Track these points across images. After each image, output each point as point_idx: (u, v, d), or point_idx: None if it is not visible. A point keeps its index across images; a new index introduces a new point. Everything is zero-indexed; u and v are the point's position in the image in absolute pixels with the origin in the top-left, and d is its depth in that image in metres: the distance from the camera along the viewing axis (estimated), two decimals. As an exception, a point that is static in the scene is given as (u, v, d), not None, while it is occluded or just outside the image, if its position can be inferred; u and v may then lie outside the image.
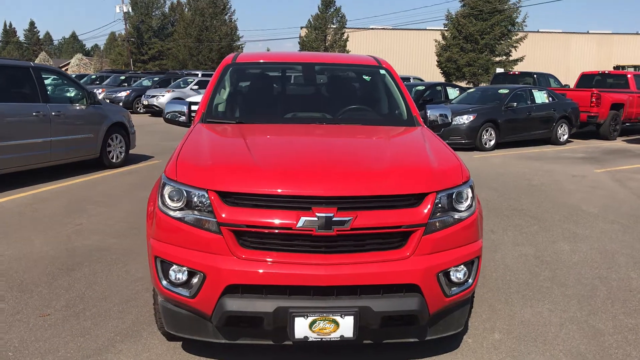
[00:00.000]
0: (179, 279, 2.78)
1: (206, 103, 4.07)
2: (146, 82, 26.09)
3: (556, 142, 14.38)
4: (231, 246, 2.67)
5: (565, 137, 14.56)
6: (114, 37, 73.72)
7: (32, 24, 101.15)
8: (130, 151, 10.02)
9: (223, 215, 2.67)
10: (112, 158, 9.44)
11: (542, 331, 3.61)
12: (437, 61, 38.25)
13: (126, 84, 27.57)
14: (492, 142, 13.07)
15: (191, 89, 22.89)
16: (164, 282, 2.83)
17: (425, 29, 49.68)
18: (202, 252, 2.71)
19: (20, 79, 7.85)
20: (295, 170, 2.85)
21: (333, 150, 3.36)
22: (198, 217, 2.74)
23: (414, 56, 49.15)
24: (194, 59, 51.07)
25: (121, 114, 9.83)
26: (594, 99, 15.21)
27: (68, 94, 8.82)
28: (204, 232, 2.71)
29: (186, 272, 2.76)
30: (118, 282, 4.31)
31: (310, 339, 2.67)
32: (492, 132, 13.05)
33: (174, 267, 2.79)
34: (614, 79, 18.04)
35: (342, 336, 2.68)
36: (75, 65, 64.84)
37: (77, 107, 8.71)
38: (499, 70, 28.39)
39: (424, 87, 17.73)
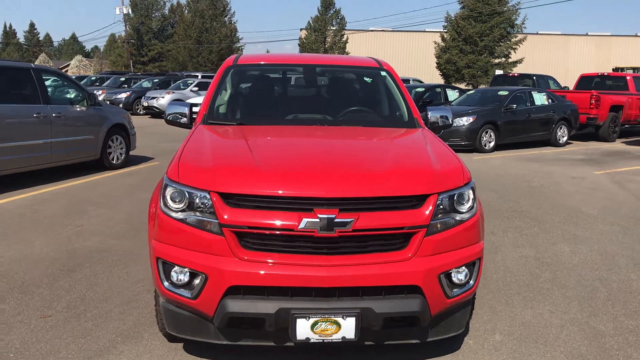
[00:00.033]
0: (180, 280, 2.78)
1: (207, 105, 4.07)
2: (146, 84, 26.10)
3: (555, 143, 14.39)
4: (233, 247, 2.68)
5: (565, 138, 14.58)
6: (114, 39, 73.79)
7: (32, 25, 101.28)
8: (131, 152, 10.03)
9: (225, 217, 2.67)
10: (113, 159, 9.45)
11: (543, 333, 3.61)
12: (437, 63, 38.31)
13: (126, 86, 27.57)
14: (492, 144, 13.09)
15: (191, 90, 22.91)
16: (166, 284, 2.83)
17: (425, 31, 49.72)
18: (204, 254, 2.72)
19: (21, 81, 7.86)
20: (297, 171, 2.86)
21: (334, 152, 3.37)
22: (200, 218, 2.74)
23: (413, 58, 49.19)
24: (194, 60, 51.12)
25: (121, 115, 9.84)
26: (593, 101, 15.23)
27: (68, 96, 8.83)
28: (206, 233, 2.72)
29: (188, 274, 2.77)
30: (119, 284, 4.32)
31: (312, 341, 2.67)
32: (492, 134, 13.07)
33: (176, 268, 2.79)
34: (613, 81, 18.07)
35: (343, 337, 2.68)
36: (75, 67, 64.84)
37: (78, 109, 8.72)
38: (498, 72, 28.42)
39: (423, 89, 17.76)
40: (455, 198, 2.88)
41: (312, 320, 2.63)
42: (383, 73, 4.58)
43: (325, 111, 4.25)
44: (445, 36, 37.85)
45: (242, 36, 58.50)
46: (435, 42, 38.57)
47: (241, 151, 3.19)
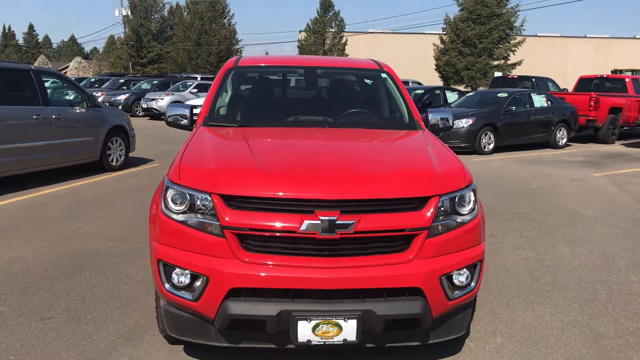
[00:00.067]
0: (181, 282, 2.78)
1: (208, 106, 4.07)
2: (145, 86, 26.11)
3: (555, 145, 14.41)
4: (234, 249, 2.67)
5: (564, 140, 14.59)
6: (113, 41, 73.79)
7: (31, 27, 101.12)
8: (130, 154, 10.02)
9: (226, 219, 2.67)
10: (112, 161, 9.44)
11: (544, 335, 3.61)
12: (436, 65, 38.33)
13: (125, 87, 27.57)
14: (491, 146, 13.10)
15: (190, 92, 22.93)
16: (167, 286, 2.82)
17: (424, 33, 49.77)
18: (205, 256, 2.71)
19: (21, 82, 7.86)
20: (298, 173, 2.86)
21: (336, 154, 3.37)
22: (201, 220, 2.74)
23: (412, 60, 49.21)
24: (193, 62, 51.14)
25: (121, 117, 9.84)
26: (592, 103, 15.26)
27: (68, 97, 8.83)
28: (207, 235, 2.71)
29: (189, 276, 2.76)
30: (119, 286, 4.31)
31: (313, 343, 2.67)
32: (491, 136, 13.08)
33: (177, 270, 2.78)
34: (612, 83, 18.11)
35: (345, 340, 2.67)
36: (74, 69, 64.74)
37: (77, 110, 8.71)
38: (497, 74, 28.47)
39: (423, 91, 17.80)
40: (456, 200, 2.88)
41: (313, 323, 2.63)
42: (383, 75, 4.58)
43: (326, 113, 4.25)
44: (444, 38, 37.89)
45: (241, 38, 58.51)
46: (434, 44, 38.61)
47: (242, 153, 3.19)
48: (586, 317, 3.91)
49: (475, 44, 35.84)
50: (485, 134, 12.99)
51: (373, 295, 2.70)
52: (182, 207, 2.79)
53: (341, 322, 2.64)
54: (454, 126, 11.96)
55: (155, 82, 26.63)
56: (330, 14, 48.14)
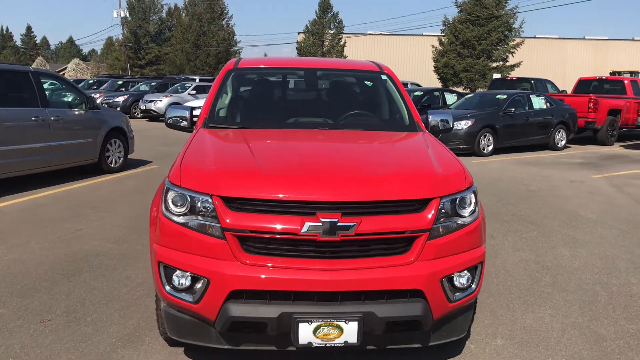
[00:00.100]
0: (182, 284, 2.77)
1: (208, 108, 4.06)
2: (144, 87, 26.11)
3: (554, 147, 14.43)
4: (235, 251, 2.67)
5: (563, 142, 14.61)
6: (111, 42, 73.69)
7: (29, 28, 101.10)
8: (129, 156, 10.01)
9: (227, 221, 2.66)
10: (111, 163, 9.43)
11: (544, 337, 3.61)
12: (434, 67, 38.36)
13: (124, 89, 27.56)
14: (490, 148, 13.11)
15: (189, 93, 22.93)
16: (167, 288, 2.81)
17: (422, 35, 49.88)
18: (205, 258, 2.70)
19: (19, 84, 7.85)
20: (299, 175, 2.85)
21: (336, 156, 3.36)
22: (202, 222, 2.73)
23: (411, 62, 49.30)
24: (191, 63, 51.15)
25: (120, 118, 9.83)
26: (591, 105, 15.28)
27: (67, 99, 8.81)
28: (208, 237, 2.71)
29: (190, 278, 2.75)
30: (118, 288, 4.30)
31: (314, 345, 2.66)
32: (490, 138, 13.09)
33: (178, 272, 2.77)
34: (611, 85, 18.15)
35: (346, 342, 2.67)
36: (72, 70, 64.75)
37: (76, 112, 8.70)
38: (496, 75, 28.51)
39: (422, 93, 17.80)
40: (457, 202, 2.88)
41: (314, 325, 2.62)
42: (383, 77, 4.58)
43: (326, 115, 4.25)
44: (443, 40, 37.93)
45: (239, 39, 58.56)
46: (432, 46, 38.66)
47: (243, 155, 3.18)
48: (586, 319, 3.91)
49: (474, 45, 35.88)
50: (484, 136, 13.00)
51: (374, 297, 2.70)
52: (182, 209, 2.79)
53: (342, 324, 2.63)
54: (453, 128, 11.99)
55: (153, 83, 26.63)
56: (329, 15, 48.19)
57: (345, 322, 2.63)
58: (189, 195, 2.77)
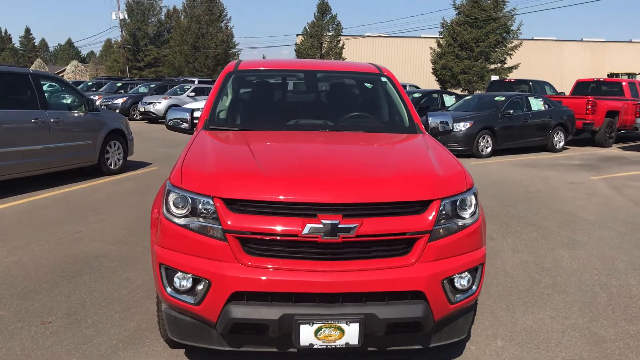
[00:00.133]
0: (183, 286, 2.77)
1: (209, 110, 4.07)
2: (143, 89, 26.10)
3: (552, 149, 14.46)
4: (236, 253, 2.67)
5: (561, 144, 14.65)
6: (110, 44, 73.65)
7: (27, 30, 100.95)
8: (129, 158, 10.01)
9: (228, 222, 2.67)
10: (111, 165, 9.43)
11: (545, 338, 3.62)
12: (433, 69, 38.44)
13: (123, 91, 27.56)
14: (489, 149, 13.13)
15: (188, 95, 22.93)
16: (169, 289, 2.82)
17: (421, 37, 49.95)
18: (207, 259, 2.71)
19: (19, 86, 7.86)
20: (300, 177, 2.86)
21: (337, 157, 3.37)
22: (203, 224, 2.73)
23: (409, 63, 49.37)
24: (190, 65, 51.15)
25: (119, 120, 9.83)
26: (589, 107, 15.32)
27: (66, 101, 8.82)
28: (209, 239, 2.71)
29: (191, 279, 2.75)
30: (119, 290, 4.30)
31: (316, 347, 2.67)
32: (489, 139, 13.11)
33: (179, 274, 2.78)
34: (609, 87, 18.20)
35: (347, 343, 2.67)
36: (70, 72, 64.75)
37: (76, 114, 8.71)
38: (494, 77, 28.57)
39: (420, 95, 17.83)
40: (457, 203, 2.89)
41: (315, 326, 2.63)
42: (383, 79, 4.60)
43: (326, 117, 4.26)
44: (441, 42, 38.01)
45: (238, 42, 58.40)
46: (431, 48, 38.72)
47: (244, 157, 3.19)
48: (586, 320, 3.92)
49: (472, 47, 35.95)
50: (483, 138, 13.02)
51: (375, 298, 2.71)
52: (184, 211, 2.79)
53: (343, 325, 2.64)
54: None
55: (152, 85, 26.63)
56: (328, 17, 48.27)
57: (347, 324, 2.64)
58: (190, 197, 2.78)
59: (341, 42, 47.42)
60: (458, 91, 32.80)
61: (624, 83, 17.98)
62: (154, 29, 57.80)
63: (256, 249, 2.70)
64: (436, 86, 37.33)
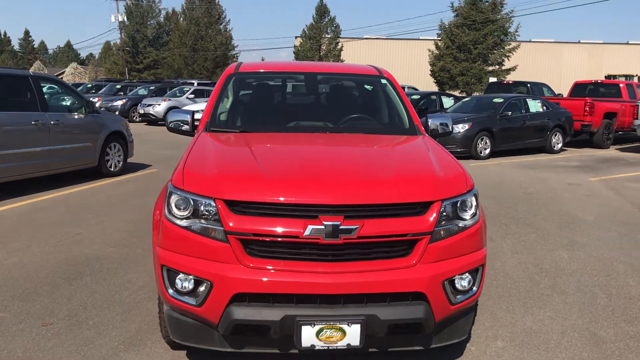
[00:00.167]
0: (185, 287, 2.78)
1: (210, 112, 4.08)
2: (142, 91, 26.11)
3: (550, 150, 14.50)
4: (238, 254, 2.68)
5: (560, 145, 14.68)
6: (109, 46, 73.72)
7: (26, 32, 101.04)
8: (128, 160, 10.01)
9: (230, 224, 2.68)
10: (111, 167, 9.44)
11: (545, 339, 3.63)
12: (431, 70, 38.53)
13: (122, 93, 27.57)
14: (487, 151, 13.16)
15: (187, 97, 22.93)
16: (170, 291, 2.82)
17: (419, 39, 50.03)
18: (209, 261, 2.72)
19: (19, 88, 7.86)
20: (302, 178, 2.87)
21: (338, 159, 3.39)
22: (205, 225, 2.74)
23: (407, 65, 49.44)
24: (189, 68, 51.17)
25: (119, 122, 9.84)
26: (587, 108, 15.36)
27: (66, 103, 8.83)
28: (211, 240, 2.72)
29: (193, 281, 2.76)
30: (120, 291, 4.31)
31: (317, 348, 2.68)
32: (487, 141, 13.14)
33: (181, 275, 2.78)
34: (607, 88, 18.25)
35: (348, 344, 2.68)
36: (70, 74, 64.75)
37: (76, 116, 8.72)
38: (492, 79, 28.61)
39: (419, 96, 17.88)
40: (458, 205, 2.90)
41: (317, 328, 2.64)
42: (383, 81, 4.62)
43: (326, 118, 4.27)
44: (439, 44, 38.09)
45: (237, 44, 58.53)
46: (429, 50, 38.81)
47: (245, 158, 3.20)
48: (586, 321, 3.93)
49: (470, 49, 36.04)
50: (482, 139, 13.05)
51: (376, 300, 2.72)
52: (185, 213, 2.80)
53: (345, 327, 2.65)
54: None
55: (152, 87, 26.64)
56: (326, 19, 48.34)
57: (348, 325, 2.65)
58: (192, 199, 2.79)
59: (340, 44, 47.50)
60: (456, 93, 32.88)
61: (621, 85, 18.03)
62: (153, 31, 57.80)
63: (258, 251, 2.71)
64: (434, 88, 37.41)
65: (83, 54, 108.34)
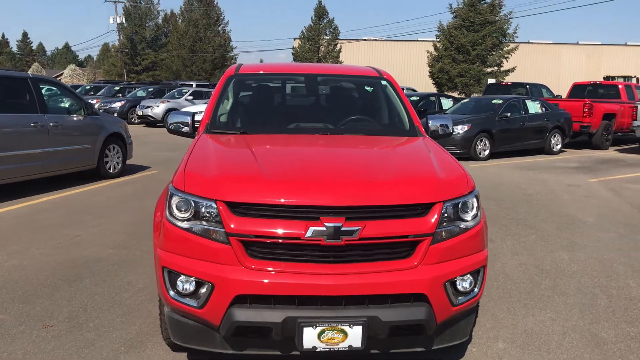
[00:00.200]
0: (186, 289, 2.77)
1: (210, 114, 4.08)
2: (140, 93, 26.10)
3: (549, 151, 14.51)
4: (240, 256, 2.68)
5: (559, 146, 14.70)
6: (107, 48, 73.70)
7: (25, 34, 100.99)
8: (127, 161, 10.00)
9: (231, 226, 2.67)
10: (110, 168, 9.43)
11: (546, 340, 3.63)
12: (429, 72, 38.56)
13: (120, 95, 27.55)
14: (487, 152, 13.17)
15: (186, 99, 22.92)
16: (172, 293, 2.82)
17: (417, 40, 50.07)
18: (210, 263, 2.71)
19: (19, 90, 7.85)
20: (303, 180, 2.87)
21: (339, 160, 3.38)
22: (206, 227, 2.74)
23: (406, 67, 49.46)
24: (188, 69, 51.17)
25: (118, 124, 9.83)
26: (586, 109, 15.38)
27: (65, 105, 8.82)
28: (212, 242, 2.71)
29: (194, 283, 2.76)
30: (120, 293, 4.30)
31: (319, 349, 2.67)
32: (487, 142, 13.15)
33: (182, 277, 2.78)
34: (606, 90, 18.28)
35: (350, 346, 2.68)
36: (68, 76, 64.70)
37: (75, 118, 8.70)
38: (491, 80, 28.65)
39: (418, 98, 17.88)
40: (459, 206, 2.90)
41: (319, 329, 2.63)
42: (384, 82, 4.62)
43: (326, 120, 4.27)
44: (438, 45, 38.13)
45: (235, 45, 58.66)
46: (427, 51, 38.84)
47: (246, 160, 3.19)
48: (587, 322, 3.93)
49: (468, 51, 36.08)
50: (481, 140, 13.06)
51: (378, 301, 2.71)
52: (187, 215, 2.79)
53: (346, 328, 2.64)
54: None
55: (150, 89, 26.63)
56: (325, 21, 48.34)
57: (350, 327, 2.64)
58: (193, 201, 2.78)
59: (338, 45, 47.51)
60: (455, 94, 32.90)
61: (620, 86, 18.07)
62: (152, 33, 57.82)
63: (259, 252, 2.70)
64: (433, 89, 37.44)
65: (81, 56, 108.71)
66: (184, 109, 18.62)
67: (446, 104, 17.76)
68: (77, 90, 27.94)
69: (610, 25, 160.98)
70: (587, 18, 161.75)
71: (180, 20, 54.75)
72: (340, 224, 2.63)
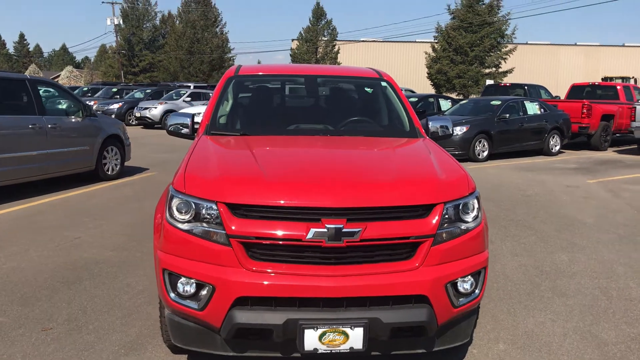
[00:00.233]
0: (187, 291, 2.76)
1: (210, 115, 4.07)
2: (138, 94, 26.10)
3: (548, 153, 14.53)
4: (240, 258, 2.67)
5: (557, 148, 14.71)
6: (105, 50, 73.65)
7: (21, 36, 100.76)
8: (126, 163, 9.98)
9: (232, 227, 2.66)
10: (108, 170, 9.41)
11: (546, 341, 3.63)
12: (428, 73, 38.57)
13: (118, 96, 27.53)
14: (485, 153, 13.18)
15: (184, 100, 22.91)
16: (172, 295, 2.81)
17: (416, 41, 50.13)
18: (211, 264, 2.70)
19: (16, 92, 7.83)
20: (304, 181, 2.86)
21: (339, 162, 3.38)
22: (207, 229, 2.73)
23: (404, 68, 49.49)
24: (185, 71, 51.15)
25: (116, 126, 9.81)
26: (585, 110, 15.41)
27: (63, 107, 8.79)
28: (213, 244, 2.71)
29: (194, 285, 2.75)
30: (120, 295, 4.28)
31: (320, 351, 2.66)
32: (485, 143, 13.16)
33: (182, 279, 2.77)
34: (604, 90, 18.32)
35: (351, 348, 2.67)
36: (65, 78, 64.49)
37: (73, 120, 8.68)
38: (489, 82, 28.68)
39: (416, 99, 17.89)
40: (460, 207, 2.90)
41: (320, 331, 2.62)
42: (383, 83, 4.62)
43: (326, 121, 4.26)
44: (436, 46, 38.16)
45: (233, 46, 58.59)
46: (426, 53, 38.87)
47: (247, 161, 3.18)
48: (587, 323, 3.93)
49: (466, 52, 36.12)
50: (479, 142, 13.07)
51: (379, 303, 2.70)
52: (187, 216, 2.79)
53: (348, 330, 2.63)
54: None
55: (148, 91, 26.63)
56: (323, 22, 48.35)
57: (351, 328, 2.63)
58: (194, 202, 2.77)
59: (336, 46, 47.52)
60: (453, 95, 32.92)
61: (618, 87, 18.10)
62: (149, 34, 57.79)
63: (260, 254, 2.69)
64: (431, 90, 37.48)
65: (79, 57, 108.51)
66: (181, 110, 18.58)
67: (445, 105, 17.78)
68: (75, 92, 27.92)
69: (608, 26, 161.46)
70: (585, 19, 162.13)
71: (177, 22, 54.72)
72: (341, 226, 2.63)
